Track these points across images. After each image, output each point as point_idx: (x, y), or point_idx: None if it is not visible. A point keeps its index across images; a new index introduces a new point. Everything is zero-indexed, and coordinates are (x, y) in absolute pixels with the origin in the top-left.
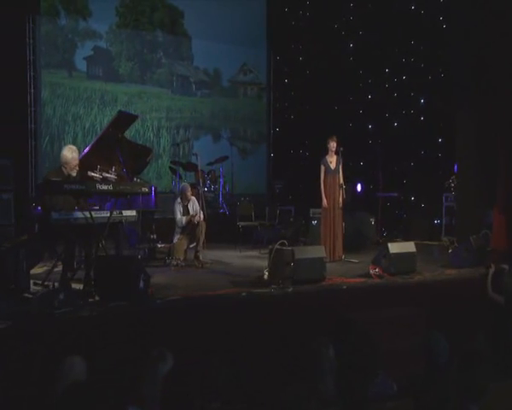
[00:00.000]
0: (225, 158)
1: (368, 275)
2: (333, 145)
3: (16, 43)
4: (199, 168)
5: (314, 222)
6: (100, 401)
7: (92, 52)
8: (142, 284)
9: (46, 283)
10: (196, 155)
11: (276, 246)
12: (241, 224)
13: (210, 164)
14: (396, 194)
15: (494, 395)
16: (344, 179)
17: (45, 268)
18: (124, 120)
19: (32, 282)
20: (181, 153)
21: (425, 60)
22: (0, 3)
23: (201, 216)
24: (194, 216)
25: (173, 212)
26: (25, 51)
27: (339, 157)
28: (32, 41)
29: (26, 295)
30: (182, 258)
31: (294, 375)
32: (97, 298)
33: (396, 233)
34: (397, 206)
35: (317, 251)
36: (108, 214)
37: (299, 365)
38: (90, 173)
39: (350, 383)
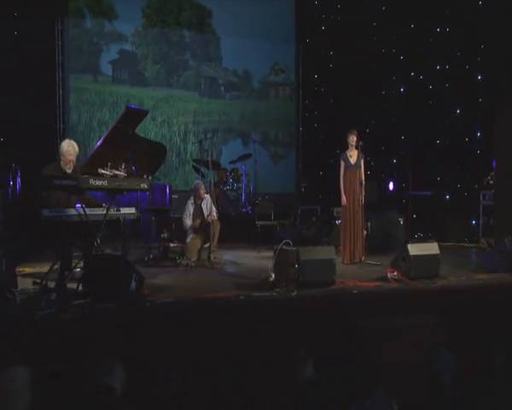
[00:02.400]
0: (248, 156)
1: (385, 279)
2: (353, 139)
3: (46, 44)
4: (210, 165)
5: (338, 222)
6: None
7: (118, 55)
8: (133, 285)
9: (44, 282)
10: (207, 151)
11: (280, 246)
12: (259, 223)
13: (232, 162)
14: (430, 192)
15: None
16: (365, 176)
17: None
18: (133, 115)
19: (32, 281)
20: (206, 146)
21: (461, 49)
22: (31, 5)
23: (215, 215)
24: (206, 217)
25: (184, 212)
26: (54, 53)
27: (360, 152)
28: (60, 43)
29: (8, 295)
30: (195, 258)
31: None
32: (88, 299)
33: (430, 234)
34: (431, 205)
35: (326, 252)
36: (104, 212)
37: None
38: (101, 170)
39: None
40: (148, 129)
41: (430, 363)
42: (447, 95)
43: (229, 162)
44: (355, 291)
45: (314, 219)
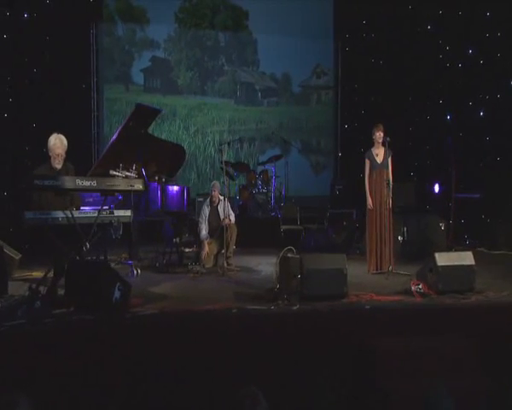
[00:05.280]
0: (279, 157)
1: (409, 292)
2: (379, 135)
3: (81, 49)
4: (223, 164)
5: None
6: None
7: (150, 63)
8: (117, 295)
9: (35, 288)
10: (221, 150)
11: (282, 253)
12: (283, 227)
13: (262, 164)
14: (478, 194)
15: None
16: (393, 175)
17: None
18: (144, 113)
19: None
20: (243, 156)
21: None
22: (66, 10)
23: (232, 219)
24: (222, 221)
25: (199, 215)
26: (88, 58)
27: (387, 149)
28: (95, 48)
29: None
30: (210, 264)
31: None
32: (71, 309)
33: (478, 241)
34: (480, 209)
35: (336, 260)
36: (96, 214)
37: None
38: (112, 172)
39: None
40: (181, 139)
41: (427, 404)
42: (499, 86)
43: (259, 164)
44: (368, 306)
45: (345, 223)
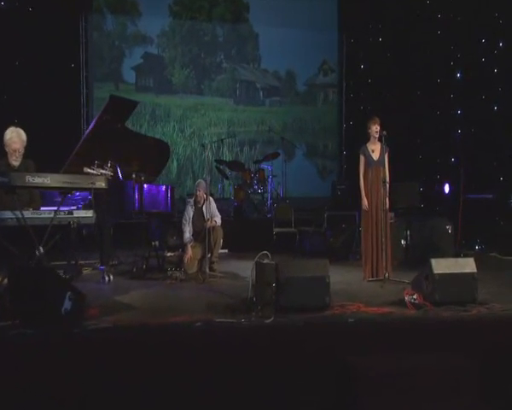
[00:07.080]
0: (276, 155)
1: (403, 303)
2: (375, 129)
3: (70, 42)
4: (207, 160)
5: None
6: None
7: (142, 60)
8: (68, 305)
9: None
10: (203, 145)
11: (257, 259)
12: (275, 230)
13: (257, 162)
14: (491, 195)
15: None
16: (390, 173)
17: None
18: (119, 106)
19: None
20: (243, 160)
21: None
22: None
23: (217, 221)
24: (205, 222)
25: (183, 216)
26: (78, 51)
27: (383, 145)
28: (84, 40)
29: None
30: (194, 270)
31: None
32: (16, 321)
33: (490, 246)
34: (493, 210)
35: (317, 267)
36: (52, 215)
37: None
38: (87, 169)
39: None
40: (175, 142)
41: None
42: None
43: (254, 162)
44: (352, 320)
45: (343, 226)
